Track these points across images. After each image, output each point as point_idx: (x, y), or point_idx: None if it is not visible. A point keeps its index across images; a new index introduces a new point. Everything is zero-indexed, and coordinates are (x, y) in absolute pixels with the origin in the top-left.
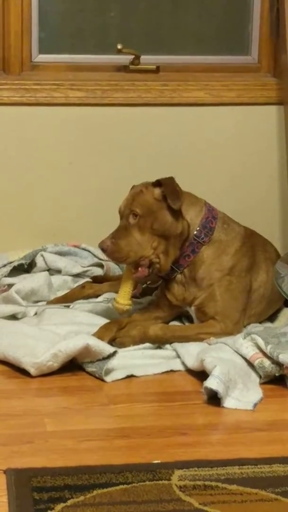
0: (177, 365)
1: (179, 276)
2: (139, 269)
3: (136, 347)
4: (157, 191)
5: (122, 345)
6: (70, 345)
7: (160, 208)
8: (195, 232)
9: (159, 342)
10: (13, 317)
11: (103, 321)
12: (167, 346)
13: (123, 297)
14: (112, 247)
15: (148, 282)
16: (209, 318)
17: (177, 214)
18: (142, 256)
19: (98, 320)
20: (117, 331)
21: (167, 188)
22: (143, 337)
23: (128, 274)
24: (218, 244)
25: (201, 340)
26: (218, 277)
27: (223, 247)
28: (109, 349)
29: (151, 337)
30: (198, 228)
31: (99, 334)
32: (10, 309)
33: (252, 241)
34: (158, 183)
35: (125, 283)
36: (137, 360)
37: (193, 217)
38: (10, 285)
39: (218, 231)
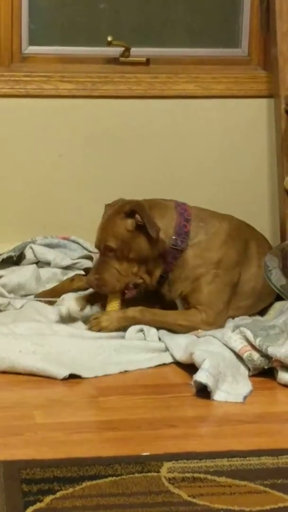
0: (169, 359)
1: (166, 280)
2: (126, 291)
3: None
4: (130, 222)
5: (100, 325)
6: (19, 360)
7: (134, 237)
8: (171, 241)
9: (137, 324)
10: None
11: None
12: (155, 336)
13: (112, 305)
14: (97, 283)
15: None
16: (192, 307)
17: (152, 238)
18: (128, 283)
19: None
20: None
21: (144, 218)
22: (122, 317)
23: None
24: (198, 244)
25: (181, 328)
26: (203, 272)
27: (204, 245)
28: (59, 374)
29: (129, 318)
30: (173, 237)
31: (85, 296)
32: None
33: (242, 233)
34: (131, 212)
35: (112, 297)
36: (131, 356)
37: (166, 229)
38: None
39: (194, 232)
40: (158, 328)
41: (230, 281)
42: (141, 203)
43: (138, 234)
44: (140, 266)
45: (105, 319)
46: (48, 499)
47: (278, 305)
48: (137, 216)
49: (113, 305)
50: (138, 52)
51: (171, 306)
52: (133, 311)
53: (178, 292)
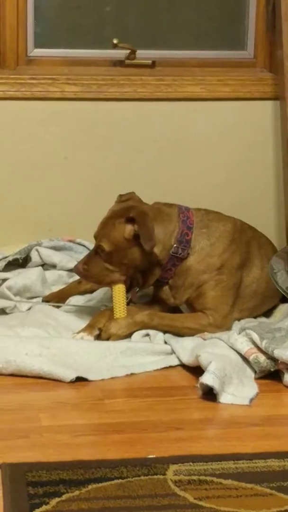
0: (175, 361)
1: (166, 286)
2: (131, 298)
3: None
4: (129, 229)
5: (108, 332)
6: (26, 363)
7: (130, 246)
8: (172, 250)
9: (146, 328)
10: (3, 311)
11: (80, 327)
12: (161, 339)
13: (119, 312)
14: (84, 273)
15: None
16: (198, 311)
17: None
18: (115, 280)
19: (77, 324)
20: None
21: (141, 228)
22: (131, 322)
23: (119, 289)
24: (201, 250)
25: (189, 331)
26: (207, 278)
27: (206, 251)
28: (65, 377)
29: (138, 323)
30: (174, 245)
31: (92, 322)
32: None
33: (245, 236)
34: (131, 219)
35: (117, 296)
36: (137, 358)
37: (167, 239)
38: (4, 280)
39: (197, 240)
40: (165, 332)
41: (234, 284)
42: (145, 212)
43: (134, 243)
44: (133, 271)
45: (114, 326)
46: (54, 501)
47: (284, 307)
48: (136, 225)
49: (119, 309)
50: (144, 54)
51: (174, 311)
52: (141, 316)
53: (184, 298)
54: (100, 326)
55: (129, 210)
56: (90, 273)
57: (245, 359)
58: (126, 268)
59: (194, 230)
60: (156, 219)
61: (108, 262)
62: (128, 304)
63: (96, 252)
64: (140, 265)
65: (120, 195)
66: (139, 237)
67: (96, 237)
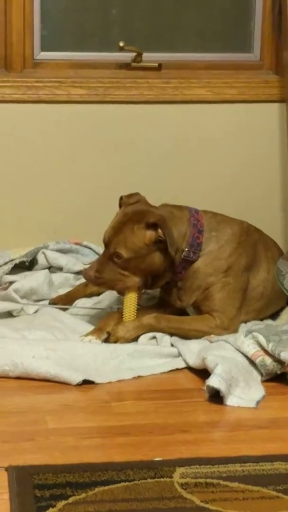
0: (182, 364)
1: (173, 289)
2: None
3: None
4: (150, 235)
5: (116, 335)
6: (33, 366)
7: (150, 252)
8: (183, 253)
9: (153, 331)
10: (10, 314)
11: (88, 330)
12: (168, 342)
13: (129, 316)
14: (96, 280)
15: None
16: (205, 314)
17: (167, 254)
18: (129, 286)
19: (84, 327)
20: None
21: (167, 236)
22: (138, 325)
23: (131, 294)
24: (209, 253)
25: (196, 334)
26: (214, 280)
27: (214, 254)
28: (72, 380)
29: (145, 326)
30: (186, 249)
31: (100, 325)
32: (4, 305)
33: (251, 238)
34: (152, 225)
35: (128, 301)
36: (144, 361)
37: (179, 243)
38: (11, 283)
39: (206, 243)
40: (171, 335)
41: (241, 286)
42: (164, 217)
43: (154, 248)
44: (147, 276)
45: (121, 329)
46: (60, 504)
47: None
48: (160, 231)
49: (129, 314)
50: (150, 57)
51: (179, 314)
52: (148, 319)
53: (191, 301)
54: (109, 329)
55: (146, 215)
56: (103, 280)
57: (251, 361)
58: (142, 273)
59: (204, 233)
60: (171, 222)
61: (124, 269)
62: None
63: (109, 259)
64: (157, 269)
65: (126, 197)
66: (159, 242)
67: (108, 243)
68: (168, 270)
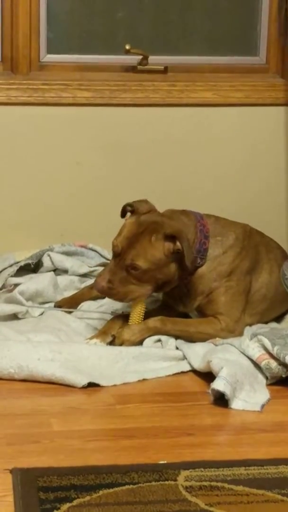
0: (187, 367)
1: (177, 292)
2: None
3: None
4: (168, 246)
5: (122, 338)
6: (38, 368)
7: (167, 262)
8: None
9: (158, 334)
10: (15, 316)
11: (93, 333)
12: (173, 345)
13: (136, 319)
14: (108, 291)
15: None
16: (210, 317)
17: (183, 265)
18: (141, 296)
19: (89, 330)
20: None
21: (185, 248)
22: (144, 328)
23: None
24: (214, 259)
25: (202, 336)
26: (217, 285)
27: (219, 260)
28: (78, 383)
29: (151, 329)
30: (194, 256)
31: (105, 328)
32: (10, 308)
33: (253, 241)
34: (170, 236)
35: (137, 305)
36: (149, 364)
37: (193, 253)
38: (16, 285)
39: (212, 249)
40: (176, 338)
41: (243, 289)
42: (181, 230)
43: (171, 259)
44: (158, 284)
45: (127, 332)
46: (65, 507)
47: None
48: (178, 244)
49: (136, 318)
50: (156, 60)
51: (183, 317)
52: (153, 322)
53: (194, 305)
54: (114, 332)
55: (162, 226)
56: (115, 291)
57: (256, 365)
58: (156, 282)
59: (210, 239)
60: (187, 234)
61: (139, 279)
62: None
63: (123, 268)
64: (171, 279)
65: (137, 204)
66: (176, 253)
67: (122, 253)
68: (178, 277)
